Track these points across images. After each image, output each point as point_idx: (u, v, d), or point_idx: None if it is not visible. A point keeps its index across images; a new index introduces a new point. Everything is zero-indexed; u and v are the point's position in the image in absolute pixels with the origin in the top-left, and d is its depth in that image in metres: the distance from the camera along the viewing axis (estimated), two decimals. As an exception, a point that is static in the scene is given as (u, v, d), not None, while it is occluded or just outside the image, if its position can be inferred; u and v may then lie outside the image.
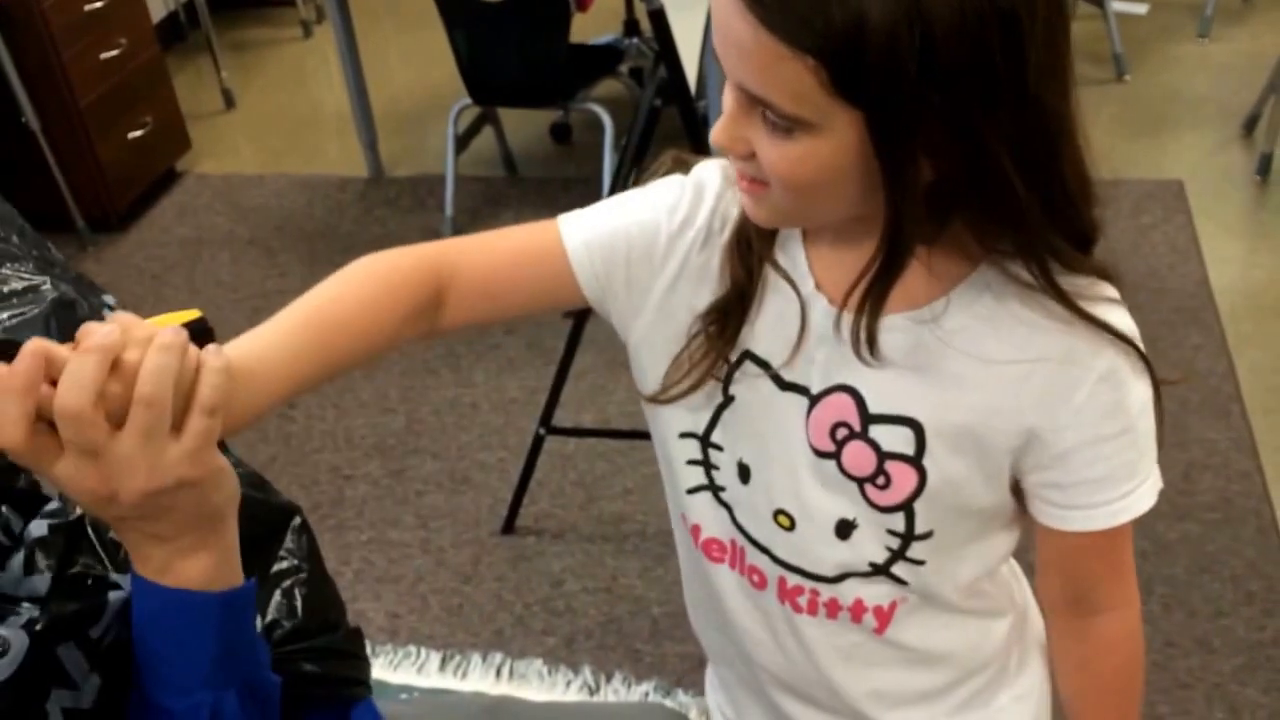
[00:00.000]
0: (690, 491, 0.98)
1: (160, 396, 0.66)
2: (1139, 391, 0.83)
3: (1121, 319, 0.82)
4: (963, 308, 0.82)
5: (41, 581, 0.77)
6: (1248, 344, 2.79)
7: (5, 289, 0.85)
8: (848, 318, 0.82)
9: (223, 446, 0.82)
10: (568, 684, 2.14)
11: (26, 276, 0.87)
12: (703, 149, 2.04)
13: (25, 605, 0.74)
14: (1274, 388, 2.67)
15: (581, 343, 2.29)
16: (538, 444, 2.39)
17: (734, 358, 0.90)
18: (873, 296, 0.80)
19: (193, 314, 0.75)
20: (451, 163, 3.46)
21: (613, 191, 2.19)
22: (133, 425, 0.66)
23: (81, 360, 0.64)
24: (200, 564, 0.73)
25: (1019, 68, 0.70)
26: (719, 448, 0.94)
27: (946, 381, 0.84)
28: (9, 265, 0.88)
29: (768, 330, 0.89)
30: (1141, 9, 4.35)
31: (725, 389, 0.91)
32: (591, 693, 2.13)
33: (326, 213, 3.66)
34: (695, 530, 1.00)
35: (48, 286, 0.87)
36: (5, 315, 0.83)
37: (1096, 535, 0.87)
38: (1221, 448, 2.51)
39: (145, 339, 0.67)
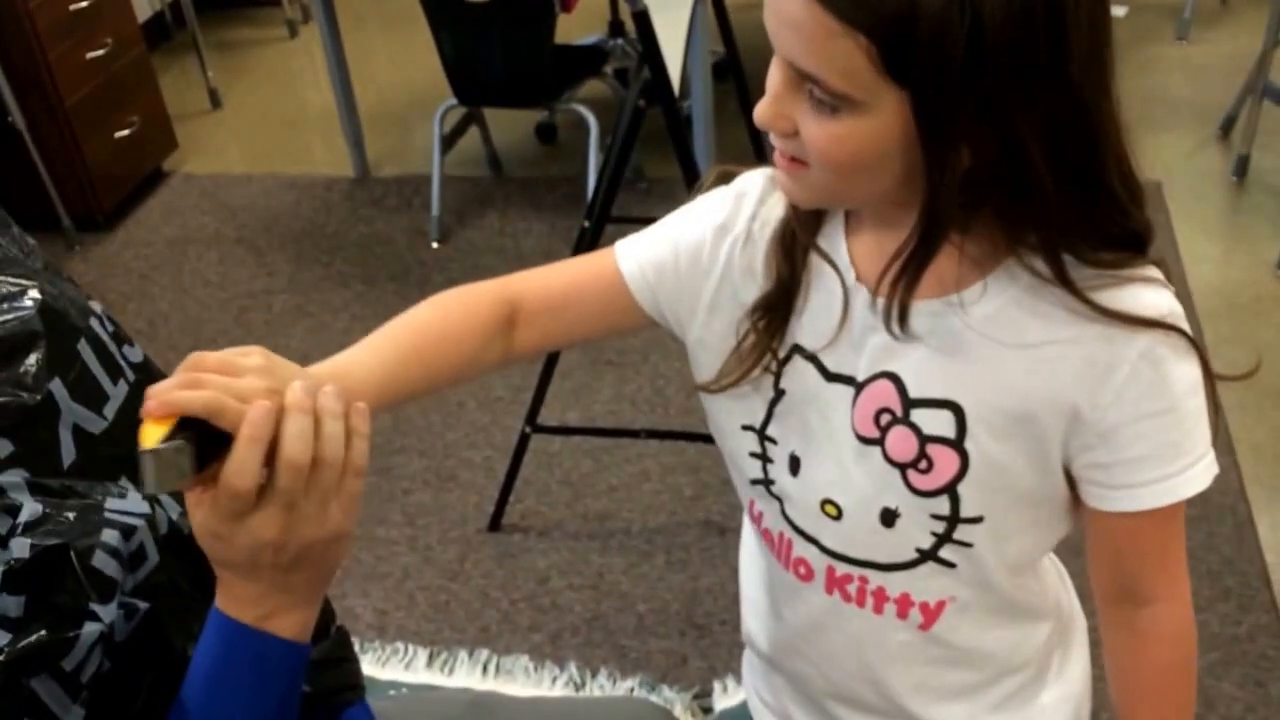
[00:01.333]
0: (753, 483, 1.00)
1: (338, 458, 0.75)
2: (1183, 371, 0.83)
3: (1158, 299, 0.82)
4: (994, 294, 0.84)
5: (15, 604, 0.76)
6: (1225, 343, 2.83)
7: None
8: (880, 301, 0.85)
9: None
10: (553, 680, 2.16)
11: (12, 281, 0.87)
12: (684, 150, 2.07)
13: None
14: (1250, 385, 2.71)
15: (567, 342, 2.31)
16: (524, 442, 2.41)
17: (783, 352, 0.93)
18: (906, 276, 0.81)
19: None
20: (438, 163, 3.47)
21: (597, 191, 2.21)
22: (317, 482, 0.74)
23: (302, 421, 0.74)
24: (303, 617, 0.79)
25: (1061, 58, 0.72)
26: (774, 441, 0.96)
27: (982, 365, 0.85)
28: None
29: (813, 323, 0.91)
30: (1120, 11, 4.39)
31: (776, 384, 0.94)
32: (577, 688, 2.14)
33: (313, 212, 3.67)
34: (759, 518, 1.02)
35: (35, 293, 0.87)
36: None
37: (1143, 519, 0.87)
38: (1198, 445, 2.53)
39: (323, 408, 0.76)
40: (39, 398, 0.83)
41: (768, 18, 0.76)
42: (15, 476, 0.80)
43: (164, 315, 3.23)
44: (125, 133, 3.61)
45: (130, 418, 0.85)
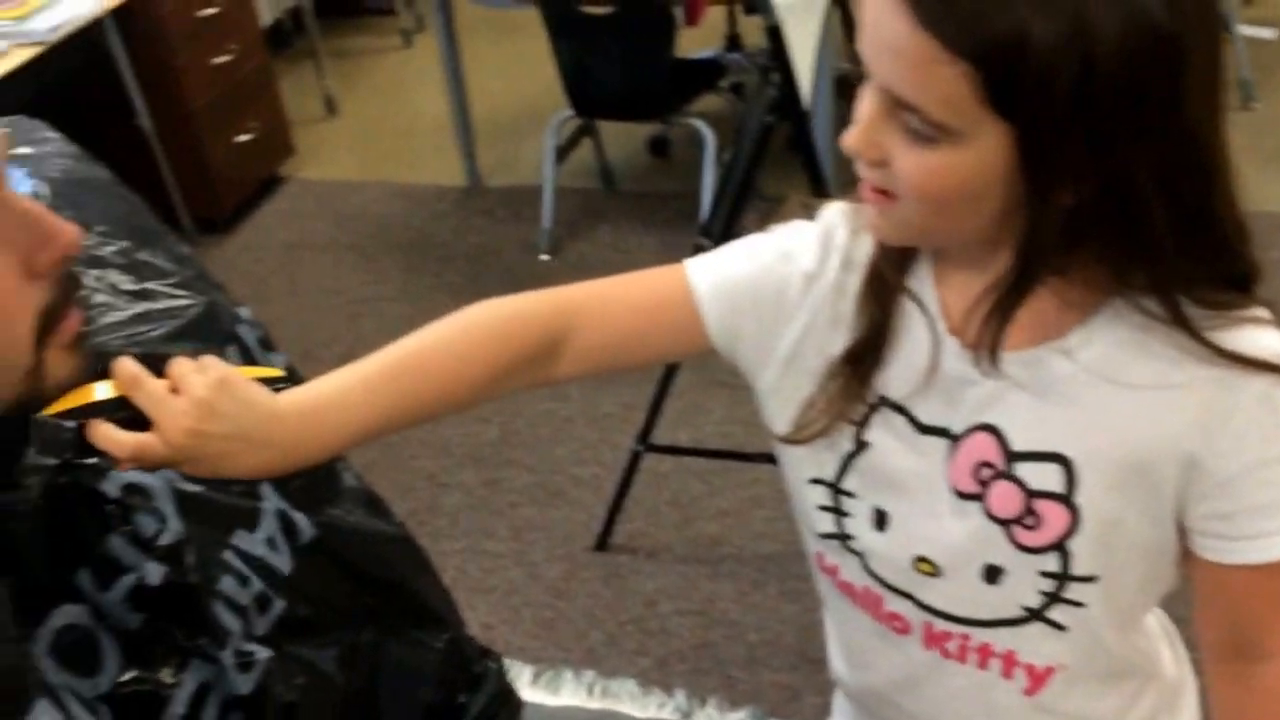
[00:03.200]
0: (823, 536, 0.96)
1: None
2: None
3: (1272, 340, 0.78)
4: (1099, 338, 0.80)
5: (135, 619, 0.79)
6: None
7: (156, 307, 0.87)
8: (971, 347, 0.81)
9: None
10: (660, 706, 2.11)
11: (171, 291, 0.90)
12: (814, 167, 2.01)
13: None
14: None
15: (680, 363, 2.27)
16: (635, 461, 2.37)
17: (870, 402, 0.88)
18: (997, 316, 0.78)
19: (275, 372, 0.84)
20: (550, 174, 3.46)
21: (716, 207, 2.16)
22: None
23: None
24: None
25: (1176, 93, 0.69)
26: (850, 495, 0.92)
27: (1092, 414, 0.81)
28: (156, 281, 0.90)
29: (901, 373, 0.87)
30: (1270, 34, 4.22)
31: (858, 436, 0.89)
32: (685, 717, 2.09)
33: (424, 221, 3.68)
34: (834, 570, 0.98)
35: (191, 303, 0.89)
36: (154, 330, 0.85)
37: (1261, 572, 0.82)
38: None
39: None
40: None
41: (863, 41, 0.73)
42: (162, 480, 0.82)
43: (279, 319, 3.26)
44: (245, 138, 3.67)
45: None
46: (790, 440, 0.92)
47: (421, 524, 2.56)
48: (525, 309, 0.93)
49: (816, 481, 0.93)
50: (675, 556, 2.42)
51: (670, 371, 2.28)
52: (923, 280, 0.86)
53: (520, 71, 4.52)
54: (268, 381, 0.81)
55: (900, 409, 0.87)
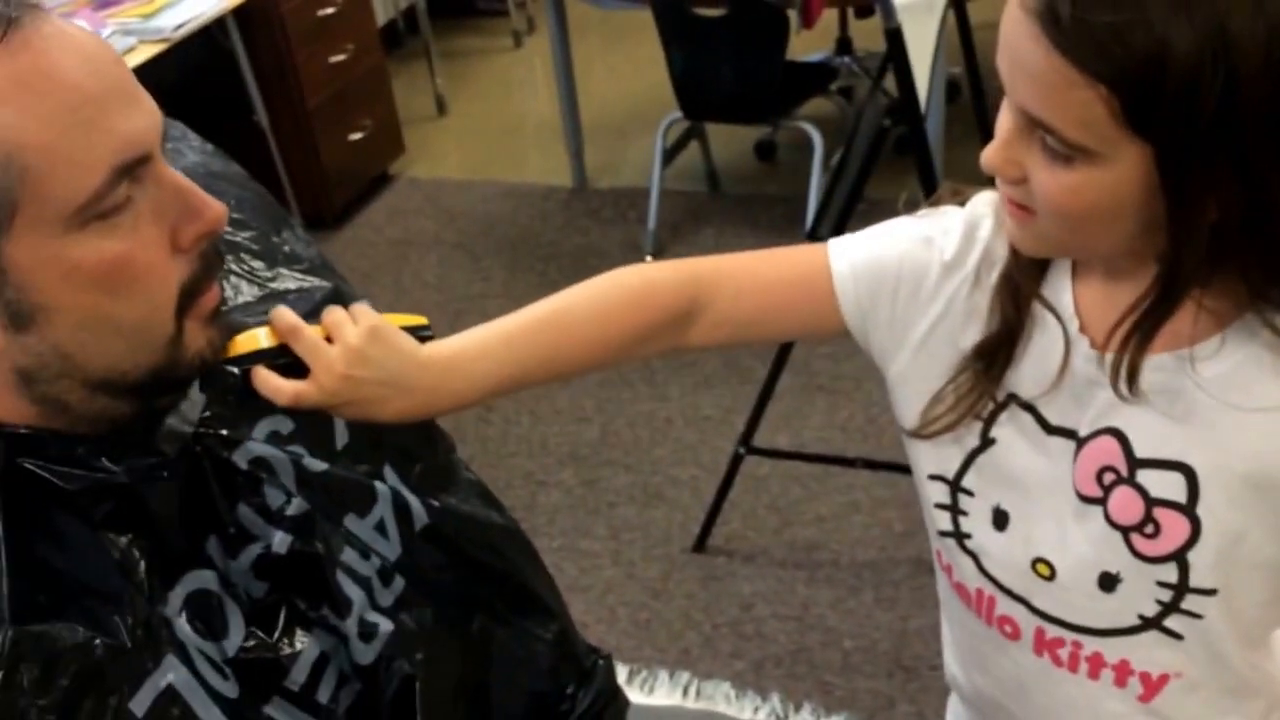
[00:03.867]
0: (941, 534, 0.95)
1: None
2: None
3: None
4: (1232, 350, 0.78)
5: (260, 587, 0.82)
6: None
7: (280, 287, 0.90)
8: (1110, 357, 0.80)
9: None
10: (755, 709, 2.11)
11: (300, 276, 0.93)
12: (928, 173, 1.99)
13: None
14: None
15: (784, 366, 2.26)
16: (736, 463, 2.36)
17: (999, 399, 0.88)
18: (1139, 334, 0.77)
19: (419, 320, 0.89)
20: (658, 176, 3.47)
21: (823, 210, 2.15)
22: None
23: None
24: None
25: None
26: (970, 493, 0.91)
27: (1216, 426, 0.79)
28: (286, 267, 0.94)
29: (1032, 371, 0.86)
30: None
31: (985, 433, 0.89)
32: (779, 721, 2.09)
33: (530, 220, 3.72)
34: (949, 570, 0.97)
35: (320, 285, 0.93)
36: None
37: None
38: None
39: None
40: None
41: (1001, 61, 0.73)
42: (288, 454, 0.85)
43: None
44: (358, 136, 3.74)
45: None
46: (919, 435, 0.92)
47: (519, 521, 2.56)
48: (665, 275, 0.95)
49: (936, 478, 0.93)
50: (772, 560, 2.41)
51: (773, 375, 2.27)
52: (1061, 279, 0.85)
53: (629, 73, 4.55)
54: (412, 330, 0.87)
55: (1029, 407, 0.87)
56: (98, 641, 0.70)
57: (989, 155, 0.76)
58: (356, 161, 3.79)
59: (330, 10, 3.56)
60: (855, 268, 0.92)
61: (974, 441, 0.89)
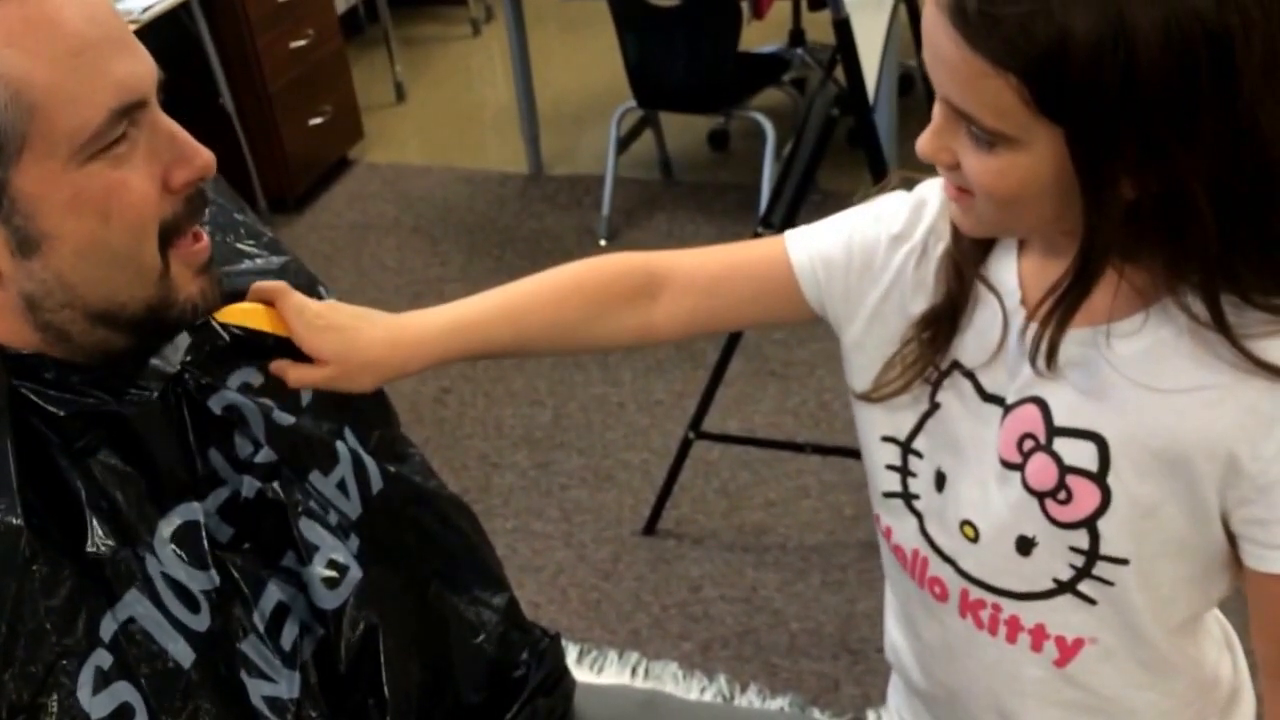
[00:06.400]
0: (886, 496, 0.98)
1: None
2: None
3: None
4: (1152, 329, 0.80)
5: (227, 532, 0.87)
6: None
7: (250, 266, 0.96)
8: (1034, 327, 0.83)
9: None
10: (702, 690, 2.14)
11: (261, 252, 0.98)
12: (878, 162, 2.03)
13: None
14: None
15: (735, 349, 2.30)
16: (685, 447, 2.39)
17: (944, 366, 0.91)
18: (1059, 312, 0.80)
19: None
20: (612, 163, 3.49)
21: (775, 200, 2.19)
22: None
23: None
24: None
25: (1228, 92, 0.69)
26: (919, 454, 0.95)
27: (1130, 401, 0.82)
28: (247, 242, 0.98)
29: (975, 340, 0.90)
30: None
31: (933, 396, 0.92)
32: (726, 701, 2.12)
33: (487, 206, 3.74)
34: (889, 532, 1.00)
35: (280, 259, 0.99)
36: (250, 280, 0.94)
37: None
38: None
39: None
40: (271, 339, 0.93)
41: (925, 56, 0.76)
42: (259, 405, 0.90)
43: (346, 296, 3.23)
44: (318, 120, 3.75)
45: None
46: (867, 397, 0.95)
47: (473, 502, 2.56)
48: (623, 256, 1.03)
49: (888, 440, 0.96)
50: (721, 543, 2.45)
51: (724, 360, 2.30)
52: (1007, 254, 0.89)
53: (585, 63, 4.57)
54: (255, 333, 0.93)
55: (970, 375, 0.90)
56: (89, 550, 0.76)
57: (922, 143, 0.80)
58: (317, 146, 3.80)
59: (290, -5, 3.56)
60: (812, 254, 0.98)
61: (925, 405, 0.93)
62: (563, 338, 1.02)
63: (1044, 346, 0.82)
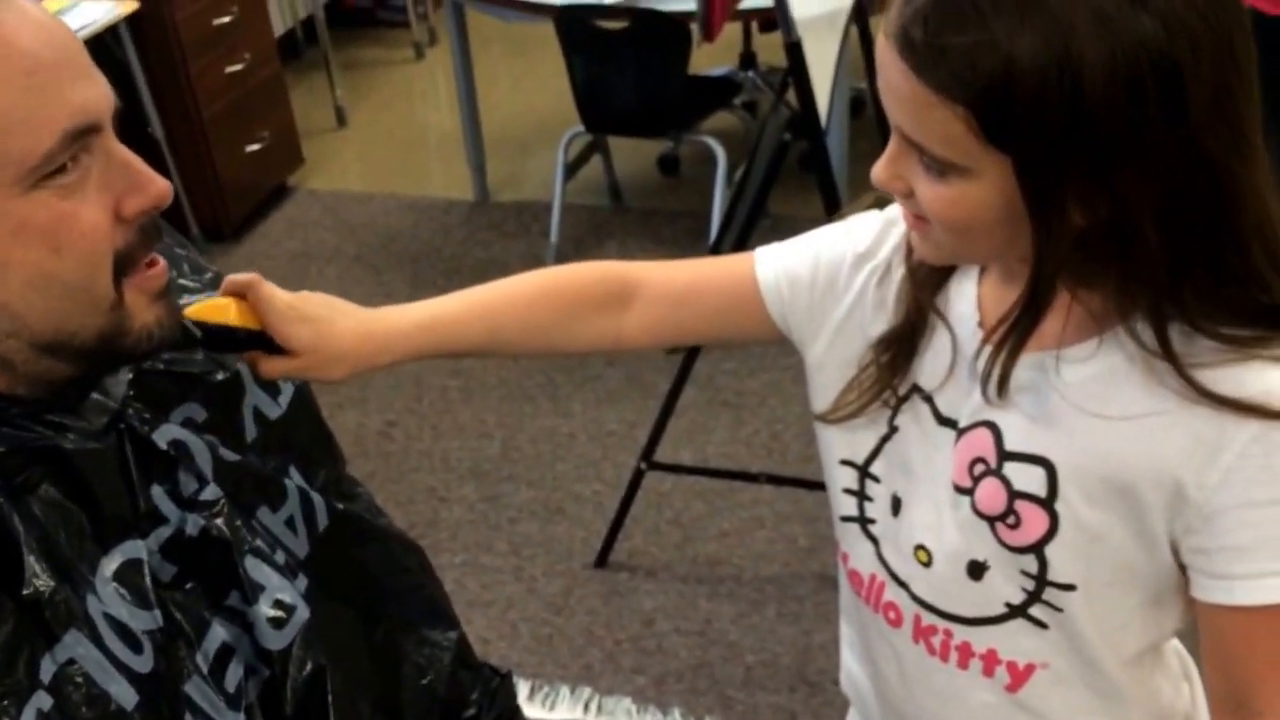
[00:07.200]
0: (843, 520, 0.98)
1: None
2: None
3: None
4: (1104, 356, 0.80)
5: (169, 570, 0.85)
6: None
7: (192, 300, 0.93)
8: (984, 355, 0.83)
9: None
10: (656, 726, 2.09)
11: (202, 287, 0.96)
12: (829, 187, 2.01)
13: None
14: None
15: (686, 379, 2.26)
16: (637, 479, 2.35)
17: (903, 390, 0.91)
18: (1013, 338, 0.80)
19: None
20: (559, 190, 3.45)
21: (727, 225, 2.16)
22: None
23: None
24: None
25: (1176, 122, 0.69)
26: (876, 479, 0.94)
27: (1077, 428, 0.81)
28: (191, 278, 0.97)
29: (933, 363, 0.89)
30: None
31: (891, 420, 0.92)
32: (681, 737, 2.07)
33: (431, 234, 3.68)
34: (846, 557, 1.00)
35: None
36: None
37: (1255, 619, 0.80)
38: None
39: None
40: (229, 374, 0.93)
41: (878, 85, 0.77)
42: (204, 442, 0.88)
43: None
44: (255, 147, 3.67)
45: (297, 411, 0.98)
46: (826, 419, 0.95)
47: (421, 537, 2.54)
48: (598, 263, 1.05)
49: (846, 463, 0.95)
50: (674, 575, 2.40)
51: (675, 390, 2.26)
52: (967, 279, 0.89)
53: (532, 86, 4.53)
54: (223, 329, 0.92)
55: (928, 399, 0.89)
56: (25, 592, 0.74)
57: (877, 171, 0.80)
58: (254, 173, 3.72)
59: (226, 19, 3.49)
60: (778, 270, 0.98)
61: (883, 428, 0.92)
62: (535, 339, 1.03)
63: (996, 373, 0.81)
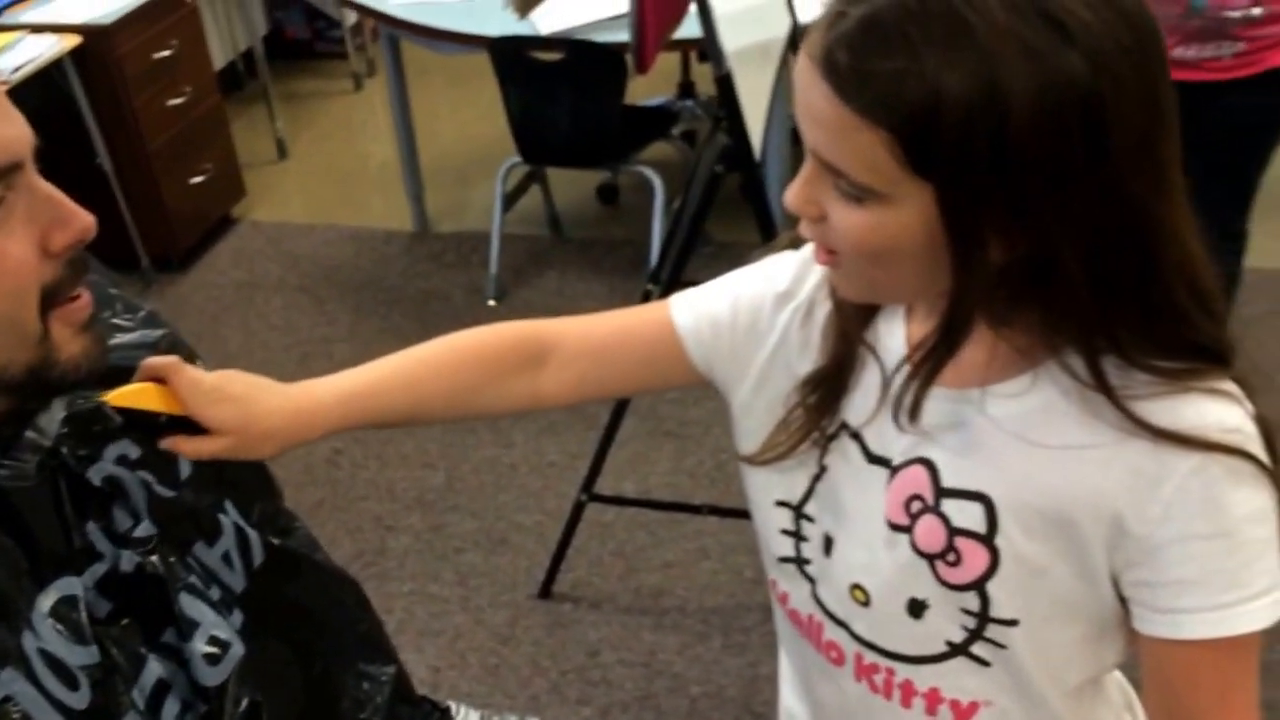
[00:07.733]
0: (781, 560, 0.96)
1: None
2: (1243, 495, 0.76)
3: (1223, 414, 0.76)
4: (1040, 390, 0.79)
5: (105, 606, 0.85)
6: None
7: (127, 339, 0.94)
8: (895, 387, 0.83)
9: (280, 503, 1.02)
10: (602, 756, 2.09)
11: (135, 325, 0.96)
12: (766, 218, 2.03)
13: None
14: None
15: (625, 410, 2.27)
16: (578, 510, 2.35)
17: (831, 429, 0.90)
18: (925, 368, 0.79)
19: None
20: (498, 221, 3.46)
21: (664, 255, 2.17)
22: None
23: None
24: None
25: (1100, 158, 0.69)
26: (810, 519, 0.93)
27: (1015, 462, 0.81)
28: (124, 316, 0.96)
29: (861, 401, 0.88)
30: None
31: (821, 459, 0.91)
32: (627, 767, 2.07)
33: (372, 265, 3.67)
34: (784, 598, 0.98)
35: (159, 333, 0.97)
36: (132, 355, 0.92)
37: (1197, 652, 0.79)
38: None
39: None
40: (164, 417, 0.91)
41: (795, 108, 0.75)
42: (138, 478, 0.88)
43: (233, 356, 3.23)
44: (199, 179, 3.66)
45: None
46: (754, 460, 0.94)
47: (369, 565, 2.53)
48: (513, 324, 1.03)
49: (782, 504, 0.94)
50: (619, 607, 2.41)
51: (615, 420, 2.27)
52: (896, 314, 0.88)
53: (470, 117, 4.54)
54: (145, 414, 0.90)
55: (856, 436, 0.89)
56: None
57: (790, 196, 0.78)
58: (199, 204, 3.70)
59: (167, 52, 3.47)
60: (697, 316, 0.97)
61: (814, 468, 0.91)
62: (457, 405, 1.01)
63: (907, 402, 0.81)
